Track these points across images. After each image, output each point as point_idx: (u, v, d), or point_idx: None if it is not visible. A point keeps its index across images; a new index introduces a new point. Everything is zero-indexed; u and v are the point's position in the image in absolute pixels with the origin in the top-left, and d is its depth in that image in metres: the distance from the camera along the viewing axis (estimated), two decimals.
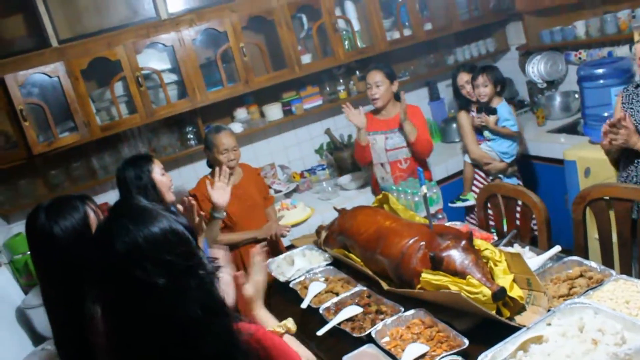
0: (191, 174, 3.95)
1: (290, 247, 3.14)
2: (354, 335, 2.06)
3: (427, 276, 2.05)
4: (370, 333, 2.02)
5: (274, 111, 4.03)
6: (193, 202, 2.61)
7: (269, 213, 3.42)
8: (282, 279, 2.66)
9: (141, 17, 3.57)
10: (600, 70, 3.33)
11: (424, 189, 2.41)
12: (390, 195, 2.90)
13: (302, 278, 2.64)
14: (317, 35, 3.90)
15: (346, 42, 4.04)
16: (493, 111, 3.71)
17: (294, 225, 3.58)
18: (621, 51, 3.97)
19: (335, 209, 3.07)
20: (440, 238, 2.17)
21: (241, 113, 3.97)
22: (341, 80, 4.25)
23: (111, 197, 3.69)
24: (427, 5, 4.41)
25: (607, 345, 1.59)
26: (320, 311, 2.27)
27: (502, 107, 3.77)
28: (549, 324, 1.77)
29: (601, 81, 3.30)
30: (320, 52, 3.96)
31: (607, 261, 2.38)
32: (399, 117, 3.51)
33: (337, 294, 2.40)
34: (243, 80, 3.68)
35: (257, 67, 3.81)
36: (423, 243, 2.21)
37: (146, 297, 1.17)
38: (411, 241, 2.25)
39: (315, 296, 2.44)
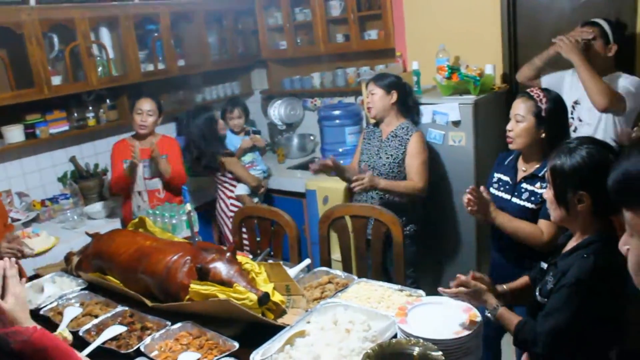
0: None
1: (35, 276, 2.91)
2: (122, 352, 2.03)
3: (195, 286, 2.13)
4: (138, 348, 2.02)
5: (14, 133, 3.69)
6: None
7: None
8: (30, 306, 2.47)
9: None
10: (337, 112, 3.86)
11: (188, 206, 2.51)
12: (146, 218, 2.92)
13: (55, 304, 2.49)
14: (70, 57, 3.76)
15: (100, 68, 3.95)
16: (257, 132, 4.11)
17: (37, 255, 3.32)
18: (349, 100, 4.65)
19: (87, 233, 2.98)
20: (205, 252, 2.29)
21: None
22: (90, 107, 4.12)
23: None
24: (182, 42, 4.56)
25: (358, 332, 1.89)
26: (81, 334, 2.18)
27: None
28: (309, 322, 2.02)
29: (337, 121, 3.83)
30: (71, 75, 3.80)
31: (348, 269, 2.76)
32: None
33: (96, 317, 2.33)
34: None
35: None
36: (188, 258, 2.30)
37: None
38: (176, 257, 2.32)
39: (72, 320, 2.33)
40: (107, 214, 3.94)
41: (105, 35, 4.03)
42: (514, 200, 2.45)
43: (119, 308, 2.36)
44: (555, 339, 1.68)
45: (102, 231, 3.30)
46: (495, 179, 2.60)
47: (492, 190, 2.55)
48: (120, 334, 2.16)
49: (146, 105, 3.56)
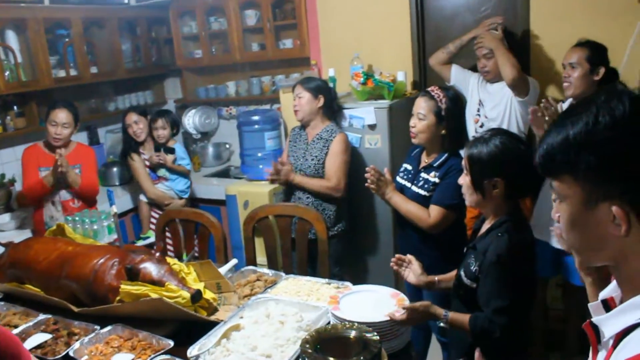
0: None
1: None
2: (49, 359, 1.98)
3: (126, 287, 2.11)
4: (67, 354, 1.97)
5: None
6: None
7: None
8: None
9: None
10: (256, 117, 3.91)
11: (114, 208, 2.48)
12: (65, 225, 2.84)
13: None
14: None
15: (7, 73, 3.79)
16: (171, 150, 4.01)
17: None
18: (264, 108, 4.70)
19: (0, 243, 2.86)
20: (133, 254, 2.27)
21: None
22: None
23: None
24: (95, 49, 4.46)
25: (291, 323, 1.96)
26: None
27: (178, 147, 4.14)
28: (242, 317, 2.07)
29: (256, 126, 3.88)
30: None
31: (274, 268, 2.81)
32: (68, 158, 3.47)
33: (16, 327, 2.25)
34: None
35: None
36: (116, 260, 2.27)
37: None
38: (102, 259, 2.28)
39: None
40: (16, 225, 3.77)
41: (12, 38, 3.86)
42: (413, 187, 2.66)
43: (41, 316, 2.28)
44: (506, 317, 1.77)
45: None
46: (402, 169, 2.82)
47: (397, 178, 2.77)
48: (46, 342, 2.10)
49: (61, 116, 3.41)
